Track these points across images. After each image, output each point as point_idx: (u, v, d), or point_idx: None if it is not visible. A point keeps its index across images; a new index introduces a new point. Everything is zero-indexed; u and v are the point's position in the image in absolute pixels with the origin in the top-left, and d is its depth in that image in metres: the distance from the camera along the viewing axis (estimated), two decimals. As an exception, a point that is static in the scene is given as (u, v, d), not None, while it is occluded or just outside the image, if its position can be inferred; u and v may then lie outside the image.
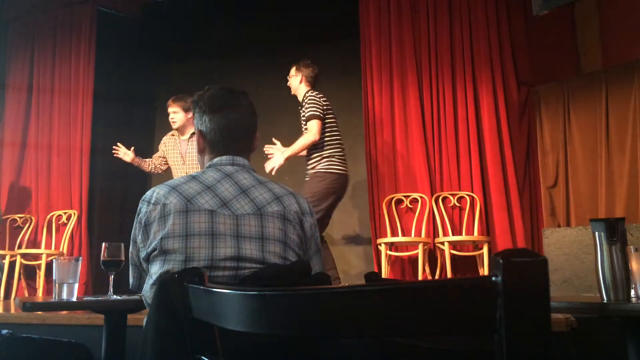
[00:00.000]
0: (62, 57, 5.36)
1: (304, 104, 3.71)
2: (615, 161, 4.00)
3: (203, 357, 0.89)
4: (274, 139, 3.78)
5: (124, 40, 5.63)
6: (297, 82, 3.84)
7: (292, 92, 3.91)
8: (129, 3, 5.65)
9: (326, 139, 3.67)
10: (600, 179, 4.04)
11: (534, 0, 4.04)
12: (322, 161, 3.64)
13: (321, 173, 3.61)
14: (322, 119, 3.63)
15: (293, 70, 3.88)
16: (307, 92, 3.74)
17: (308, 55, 5.42)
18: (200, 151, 1.50)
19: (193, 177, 1.39)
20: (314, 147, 3.66)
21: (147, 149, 5.91)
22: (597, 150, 4.09)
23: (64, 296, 1.74)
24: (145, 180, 5.78)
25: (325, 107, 3.68)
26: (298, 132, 3.81)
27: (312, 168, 3.68)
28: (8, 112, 5.35)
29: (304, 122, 3.72)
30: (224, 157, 1.43)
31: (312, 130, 3.61)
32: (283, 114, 5.54)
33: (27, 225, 5.00)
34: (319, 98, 3.68)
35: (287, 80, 3.91)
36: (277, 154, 3.67)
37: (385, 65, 4.55)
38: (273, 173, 3.63)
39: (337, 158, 3.66)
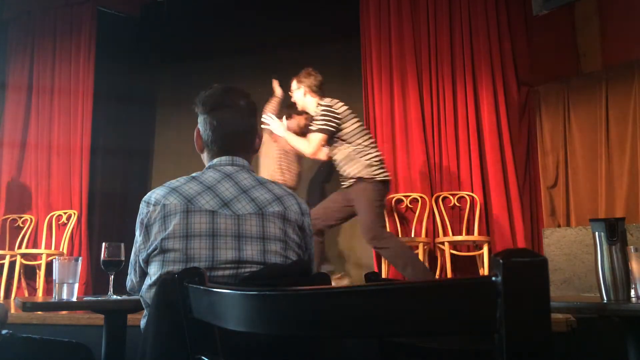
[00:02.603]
0: (62, 57, 5.35)
1: (315, 116, 3.32)
2: (615, 161, 4.00)
3: (203, 357, 0.89)
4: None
5: (124, 40, 5.64)
6: (302, 96, 3.41)
7: (300, 108, 3.52)
8: (129, 3, 5.65)
9: (361, 144, 3.27)
10: (600, 179, 4.03)
11: (534, 0, 4.04)
12: (362, 170, 3.23)
13: (369, 181, 3.22)
14: (329, 133, 3.22)
15: (294, 84, 3.44)
16: (319, 103, 3.30)
17: (308, 55, 5.44)
18: (199, 150, 1.53)
19: (193, 178, 1.39)
20: (348, 156, 3.27)
21: (147, 148, 5.92)
22: (597, 150, 4.08)
23: (64, 296, 1.74)
24: (145, 180, 5.78)
25: (344, 116, 3.25)
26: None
27: (352, 177, 3.27)
28: (8, 112, 5.35)
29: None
30: (223, 158, 1.43)
31: (311, 144, 3.21)
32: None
33: (27, 225, 5.00)
34: (336, 108, 3.24)
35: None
36: (280, 126, 3.39)
37: (385, 65, 4.54)
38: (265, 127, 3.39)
39: (377, 163, 3.27)
